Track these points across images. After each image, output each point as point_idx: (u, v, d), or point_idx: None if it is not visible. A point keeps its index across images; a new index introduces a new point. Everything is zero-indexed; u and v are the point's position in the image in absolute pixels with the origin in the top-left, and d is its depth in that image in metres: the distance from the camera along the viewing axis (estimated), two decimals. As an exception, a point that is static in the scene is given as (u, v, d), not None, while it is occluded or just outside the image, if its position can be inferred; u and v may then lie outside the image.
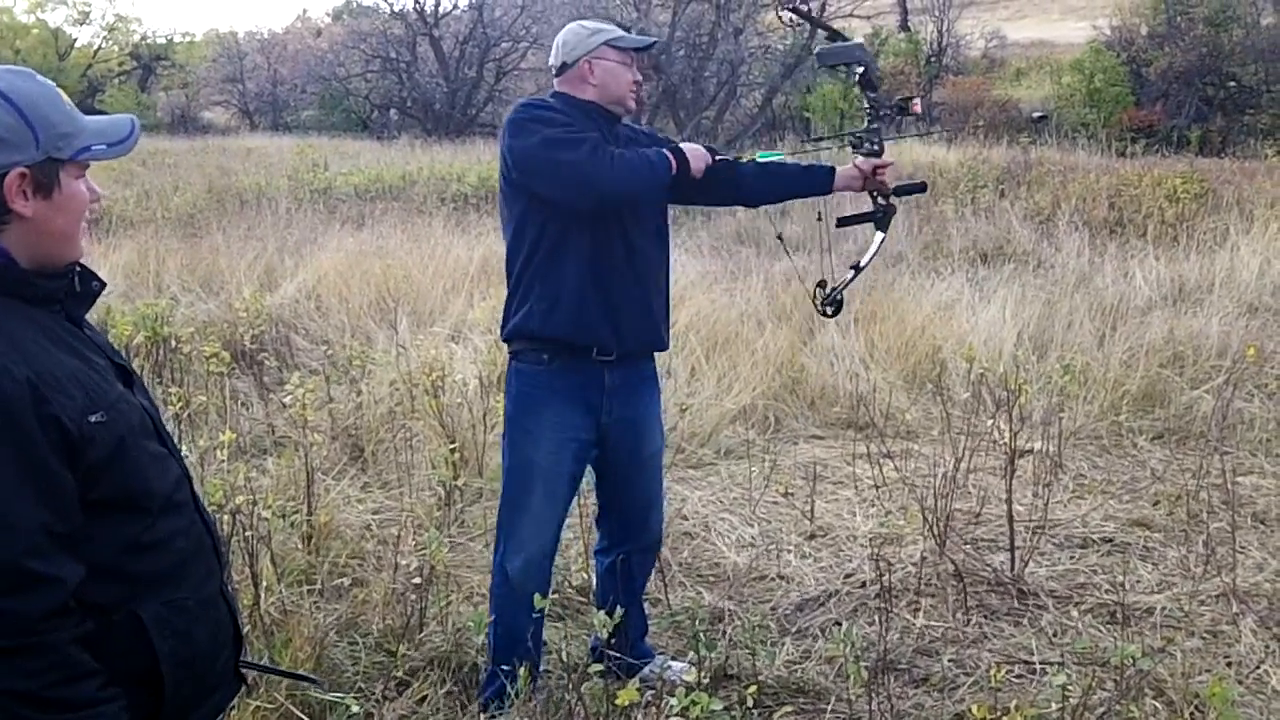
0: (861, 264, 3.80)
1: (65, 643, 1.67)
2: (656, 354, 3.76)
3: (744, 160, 3.66)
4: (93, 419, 1.73)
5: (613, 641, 3.25)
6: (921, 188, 4.00)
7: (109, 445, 1.75)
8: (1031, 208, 14.26)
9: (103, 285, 1.93)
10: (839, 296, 3.72)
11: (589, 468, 3.70)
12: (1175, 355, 7.33)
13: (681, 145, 3.43)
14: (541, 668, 3.69)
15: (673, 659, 3.96)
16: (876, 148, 3.63)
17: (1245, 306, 8.88)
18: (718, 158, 3.55)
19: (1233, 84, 29.46)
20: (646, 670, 3.73)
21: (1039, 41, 41.50)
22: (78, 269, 1.88)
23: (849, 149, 3.72)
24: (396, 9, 37.41)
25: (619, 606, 3.16)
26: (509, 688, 3.27)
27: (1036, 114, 29.68)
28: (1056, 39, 40.48)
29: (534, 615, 3.40)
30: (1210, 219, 12.71)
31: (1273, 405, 6.42)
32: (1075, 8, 46.89)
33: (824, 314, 3.76)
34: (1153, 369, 7.03)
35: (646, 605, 4.08)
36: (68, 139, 1.77)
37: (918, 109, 3.78)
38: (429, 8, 36.61)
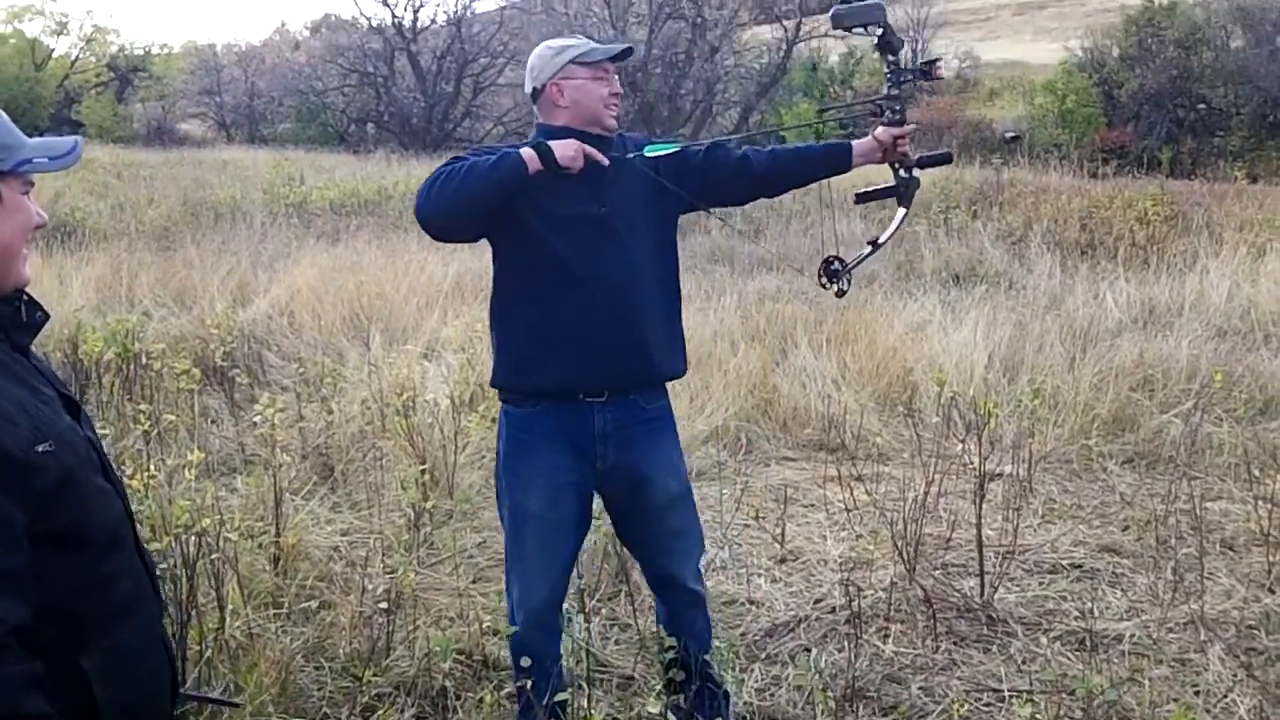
0: (880, 240, 3.53)
1: None
2: (672, 382, 3.47)
3: (755, 149, 3.41)
4: (40, 448, 1.71)
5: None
6: (947, 158, 3.62)
7: (57, 475, 1.73)
8: (1004, 228, 14.34)
9: (47, 316, 1.92)
10: (850, 276, 3.43)
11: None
12: (1145, 379, 7.37)
13: (551, 141, 3.08)
14: None
15: None
16: (898, 116, 3.34)
17: (1214, 329, 8.94)
18: (692, 146, 3.33)
19: (1203, 106, 29.82)
20: None
21: (1012, 62, 41.82)
22: (24, 298, 1.87)
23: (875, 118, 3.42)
24: (375, 23, 37.63)
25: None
26: None
27: (1009, 134, 30.00)
28: (1029, 59, 40.82)
29: (546, 673, 3.21)
30: (1180, 241, 12.82)
31: (1241, 430, 6.45)
32: (1047, 29, 47.34)
33: (834, 290, 3.45)
34: (1123, 392, 7.05)
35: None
36: (8, 150, 1.78)
37: (942, 73, 3.52)
38: (407, 23, 36.78)
